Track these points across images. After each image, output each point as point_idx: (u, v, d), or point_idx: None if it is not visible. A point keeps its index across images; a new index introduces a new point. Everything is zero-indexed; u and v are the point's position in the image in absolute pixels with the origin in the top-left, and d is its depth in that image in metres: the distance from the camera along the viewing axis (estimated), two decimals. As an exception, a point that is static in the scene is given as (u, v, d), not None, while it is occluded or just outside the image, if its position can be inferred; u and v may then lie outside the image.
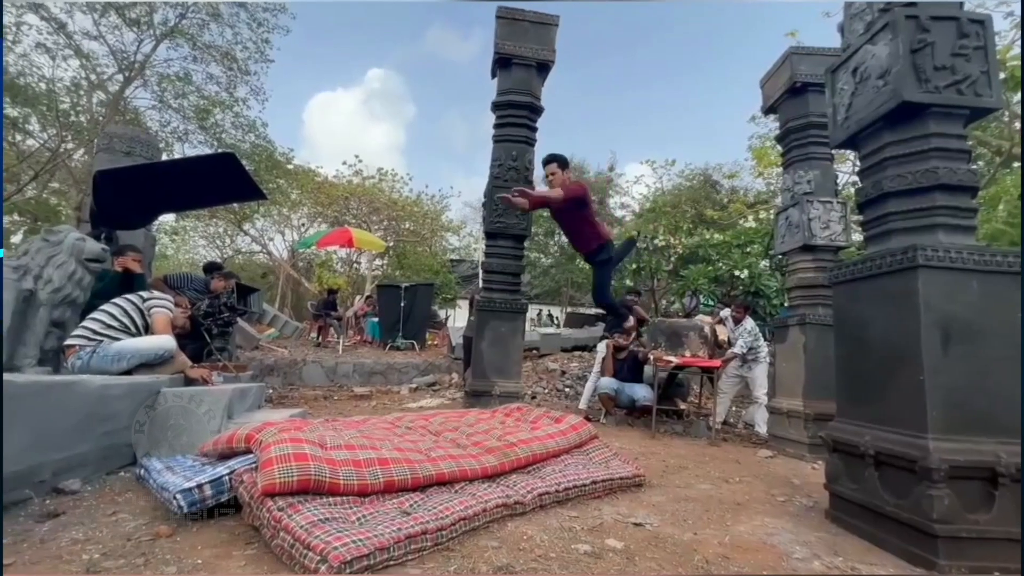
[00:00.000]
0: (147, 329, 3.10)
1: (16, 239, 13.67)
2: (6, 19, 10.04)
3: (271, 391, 5.90)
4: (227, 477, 1.94)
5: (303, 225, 18.58)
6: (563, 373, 7.40)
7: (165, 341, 3.04)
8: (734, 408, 5.89)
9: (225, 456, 2.14)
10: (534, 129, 5.02)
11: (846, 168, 10.02)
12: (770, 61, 4.87)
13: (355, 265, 19.25)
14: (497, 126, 4.98)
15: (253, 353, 7.57)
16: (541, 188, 4.24)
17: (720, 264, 8.99)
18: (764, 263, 8.98)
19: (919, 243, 2.09)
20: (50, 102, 10.61)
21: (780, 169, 6.22)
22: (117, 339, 2.92)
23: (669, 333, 5.21)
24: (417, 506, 1.92)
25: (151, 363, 2.98)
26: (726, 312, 5.80)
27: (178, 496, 1.84)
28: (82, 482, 2.22)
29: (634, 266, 10.44)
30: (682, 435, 4.90)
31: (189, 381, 3.11)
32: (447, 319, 14.86)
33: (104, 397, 2.43)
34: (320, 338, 9.80)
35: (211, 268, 5.70)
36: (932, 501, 1.90)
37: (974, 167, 2.24)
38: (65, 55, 10.88)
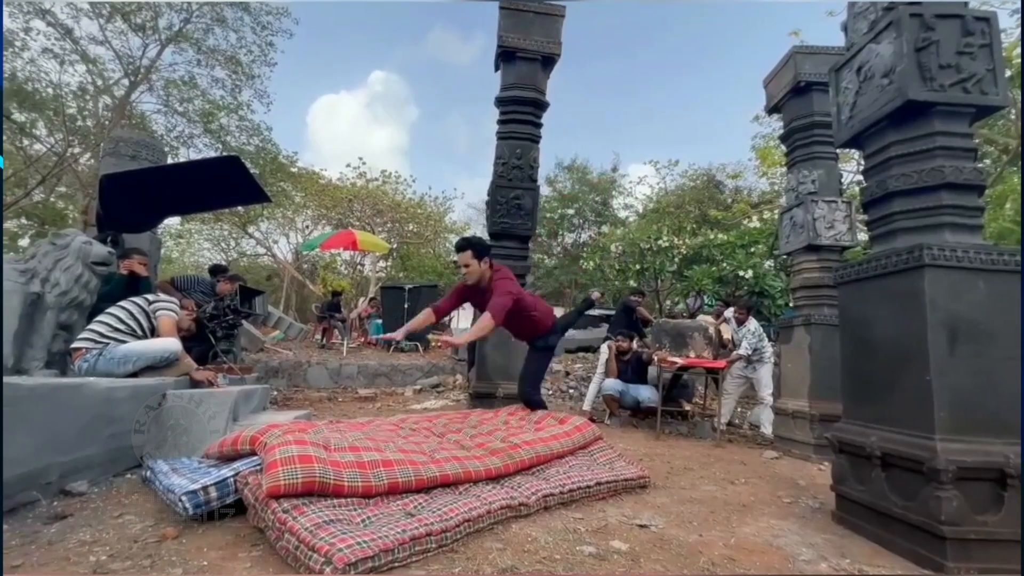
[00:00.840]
0: (153, 332, 3.12)
1: (24, 243, 13.80)
2: (14, 25, 10.16)
3: (276, 393, 5.92)
4: (232, 479, 1.95)
5: (307, 228, 18.66)
6: (567, 374, 7.39)
7: (171, 343, 3.06)
8: (739, 409, 5.87)
9: (230, 458, 2.14)
10: (539, 125, 4.90)
11: (850, 167, 9.98)
12: (773, 61, 4.87)
13: (359, 267, 19.28)
14: (501, 122, 4.88)
15: (258, 355, 7.60)
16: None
17: (724, 264, 8.96)
18: (769, 263, 8.95)
19: (925, 242, 2.08)
20: (57, 107, 10.71)
21: (784, 169, 6.20)
22: (123, 342, 2.94)
23: (673, 334, 5.19)
24: (421, 508, 1.92)
25: (157, 365, 3.00)
26: (729, 312, 5.78)
27: (183, 498, 1.85)
28: (89, 484, 2.24)
29: (638, 267, 10.41)
30: (687, 436, 4.88)
31: (195, 383, 3.13)
32: (450, 321, 14.86)
33: (111, 399, 2.44)
34: (324, 340, 9.82)
35: (216, 271, 5.73)
36: (940, 502, 1.89)
37: (980, 165, 2.23)
38: (72, 60, 10.99)
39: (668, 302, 11.64)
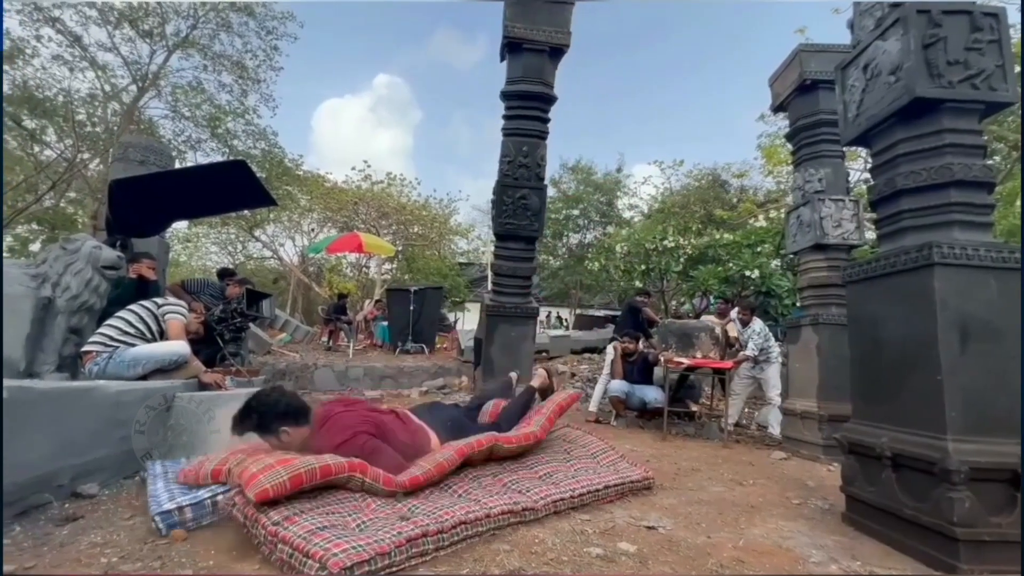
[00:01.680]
0: (162, 335, 3.15)
1: (35, 248, 13.99)
2: (24, 32, 10.32)
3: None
4: (208, 500, 1.94)
5: (313, 230, 18.76)
6: (573, 375, 7.37)
7: (179, 346, 3.08)
8: (747, 409, 5.83)
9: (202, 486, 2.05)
10: (546, 121, 4.71)
11: (858, 165, 9.91)
12: (779, 59, 4.83)
13: (365, 270, 19.37)
14: (506, 118, 4.71)
15: (265, 358, 7.65)
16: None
17: (730, 264, 8.90)
18: (775, 263, 8.88)
19: (934, 240, 2.06)
20: (67, 113, 10.85)
21: (790, 167, 6.16)
22: (133, 345, 2.97)
23: (680, 334, 5.17)
24: (416, 510, 1.91)
25: (166, 368, 3.02)
26: (733, 313, 5.75)
27: (156, 518, 1.84)
28: (100, 486, 2.26)
29: (643, 267, 10.38)
30: (694, 437, 4.86)
31: (203, 386, 3.15)
32: (456, 322, 14.88)
33: (121, 402, 2.46)
34: (331, 342, 9.87)
35: (224, 274, 5.77)
36: (952, 504, 1.87)
37: (990, 162, 2.21)
38: (81, 67, 11.14)
39: (674, 302, 11.59)
